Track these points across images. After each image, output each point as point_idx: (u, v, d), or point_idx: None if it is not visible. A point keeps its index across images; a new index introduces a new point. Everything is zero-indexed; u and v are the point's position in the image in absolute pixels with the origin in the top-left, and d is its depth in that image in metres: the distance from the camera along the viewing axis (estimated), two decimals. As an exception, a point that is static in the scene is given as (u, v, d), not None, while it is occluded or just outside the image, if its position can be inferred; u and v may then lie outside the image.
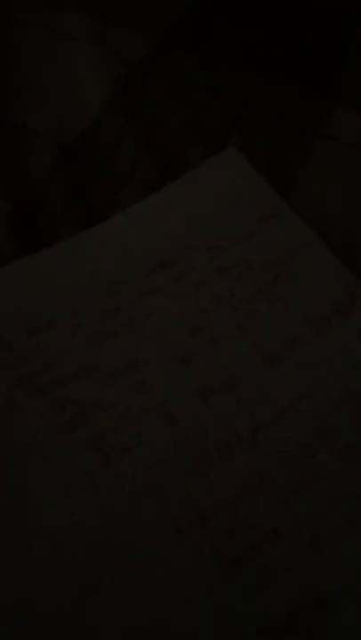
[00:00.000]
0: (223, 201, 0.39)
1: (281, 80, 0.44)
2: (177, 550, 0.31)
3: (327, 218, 0.39)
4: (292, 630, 0.29)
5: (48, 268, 0.38)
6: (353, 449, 0.32)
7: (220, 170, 0.40)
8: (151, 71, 0.46)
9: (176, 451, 0.33)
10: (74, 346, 0.36)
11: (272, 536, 0.30)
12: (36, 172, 0.42)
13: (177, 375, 0.35)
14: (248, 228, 0.38)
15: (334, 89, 0.43)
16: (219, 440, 0.33)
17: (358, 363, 0.34)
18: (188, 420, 0.33)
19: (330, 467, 0.32)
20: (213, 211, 0.39)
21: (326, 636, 0.28)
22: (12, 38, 0.48)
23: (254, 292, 0.36)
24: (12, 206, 0.41)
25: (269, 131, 0.42)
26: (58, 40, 0.47)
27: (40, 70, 0.46)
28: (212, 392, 0.34)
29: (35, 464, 0.33)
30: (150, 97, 0.45)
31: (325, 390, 0.34)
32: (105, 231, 0.39)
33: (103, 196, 0.41)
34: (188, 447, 0.33)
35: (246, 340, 0.35)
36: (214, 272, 0.37)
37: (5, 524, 0.32)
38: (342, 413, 0.33)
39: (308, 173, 0.40)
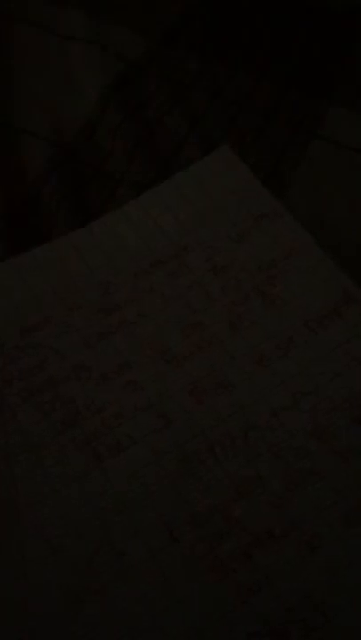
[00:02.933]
0: (218, 200, 0.39)
1: (278, 80, 0.44)
2: (170, 551, 0.30)
3: (323, 218, 0.39)
4: (289, 632, 0.28)
5: (42, 266, 0.38)
6: (349, 449, 0.32)
7: (214, 168, 0.40)
8: (149, 70, 0.45)
9: (169, 451, 0.32)
10: (67, 345, 0.36)
11: (267, 537, 0.30)
12: (32, 170, 0.42)
13: (170, 375, 0.34)
14: (243, 227, 0.38)
15: (331, 90, 0.43)
16: (213, 441, 0.33)
17: (353, 363, 0.34)
18: (182, 421, 0.33)
19: (325, 467, 0.31)
20: (208, 210, 0.39)
21: (323, 638, 0.28)
22: (10, 36, 0.48)
23: (249, 291, 0.36)
24: (8, 205, 0.41)
25: (266, 131, 0.42)
26: (56, 38, 0.47)
27: (37, 69, 0.46)
28: (206, 392, 0.34)
29: (28, 464, 0.33)
30: (147, 96, 0.45)
31: (320, 391, 0.33)
32: (99, 229, 0.39)
33: (99, 195, 0.41)
34: (181, 448, 0.32)
35: (241, 340, 0.35)
36: (209, 272, 0.37)
37: (6, 522, 0.31)
38: (338, 414, 0.33)
39: (305, 173, 0.40)
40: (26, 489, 0.32)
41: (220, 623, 0.29)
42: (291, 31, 0.46)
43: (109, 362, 0.35)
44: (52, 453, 0.33)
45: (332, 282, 0.36)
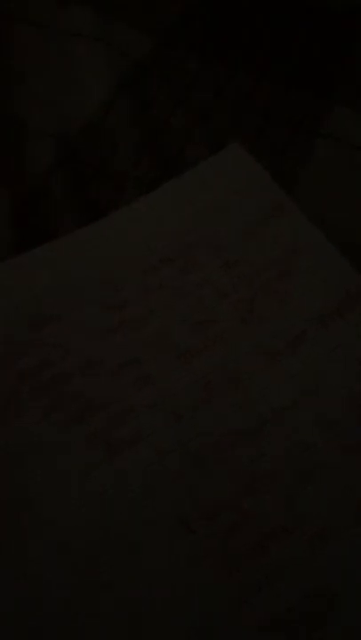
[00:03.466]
0: (227, 197, 0.39)
1: (281, 79, 0.44)
2: (180, 547, 0.30)
3: (328, 217, 0.39)
4: (299, 626, 0.28)
5: (48, 264, 0.38)
6: (353, 448, 0.32)
7: (223, 165, 0.40)
8: (153, 69, 0.45)
9: (179, 447, 0.32)
10: (76, 341, 0.35)
11: (278, 532, 0.30)
12: (37, 168, 0.42)
13: (180, 371, 0.34)
14: (252, 223, 0.38)
15: (334, 88, 0.43)
16: (222, 436, 0.32)
17: (354, 364, 0.34)
18: (192, 416, 0.33)
19: (335, 463, 0.31)
20: (217, 206, 0.39)
21: (333, 633, 0.28)
22: (14, 35, 0.48)
23: (258, 288, 0.36)
24: (13, 203, 0.41)
25: (270, 130, 0.42)
26: (60, 37, 0.47)
27: (40, 68, 0.46)
28: (216, 388, 0.34)
29: (36, 460, 0.33)
30: (152, 95, 0.44)
31: (330, 387, 0.33)
32: (106, 227, 0.39)
33: (104, 193, 0.41)
34: (190, 443, 0.32)
35: (250, 337, 0.35)
36: (218, 268, 0.37)
37: (6, 521, 0.31)
38: (346, 409, 0.33)
39: (309, 173, 0.40)
40: (27, 488, 0.32)
41: (226, 620, 0.29)
42: (291, 31, 0.46)
43: (118, 358, 0.35)
44: (56, 451, 0.33)
45: (343, 278, 0.36)
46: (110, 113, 0.44)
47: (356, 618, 0.28)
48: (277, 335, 0.35)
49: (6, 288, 0.37)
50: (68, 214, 0.40)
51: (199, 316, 0.36)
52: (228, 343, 0.35)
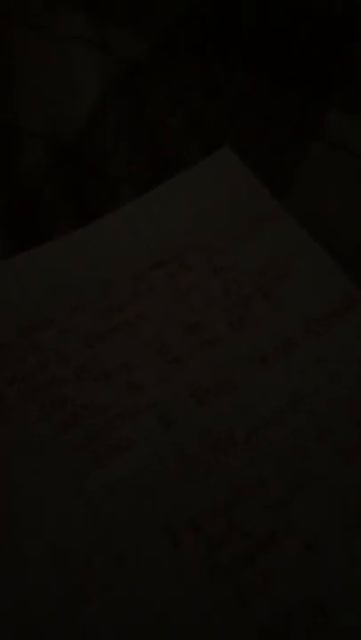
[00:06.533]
0: (219, 201, 0.39)
1: (278, 81, 0.44)
2: (170, 554, 0.30)
3: (323, 217, 0.39)
4: (290, 635, 0.28)
5: (42, 266, 0.38)
6: (350, 450, 0.32)
7: (215, 170, 0.40)
8: (148, 71, 0.45)
9: (170, 452, 0.32)
10: (68, 346, 0.36)
11: (268, 539, 0.30)
12: (32, 171, 0.42)
13: (172, 376, 0.34)
14: (244, 228, 0.38)
15: (331, 90, 0.43)
16: (214, 442, 0.32)
17: (354, 364, 0.34)
18: (183, 422, 0.33)
19: (327, 469, 0.31)
20: (209, 211, 0.39)
21: (324, 640, 0.28)
22: (9, 38, 0.48)
23: (250, 292, 0.36)
24: (8, 206, 0.41)
25: (267, 131, 0.42)
26: (55, 39, 0.47)
27: (37, 70, 0.46)
28: (208, 393, 0.34)
29: (28, 465, 0.33)
30: (147, 97, 0.45)
31: (322, 391, 0.33)
32: (100, 230, 0.39)
33: (99, 195, 0.41)
34: (182, 449, 0.32)
35: (242, 341, 0.35)
36: (210, 272, 0.37)
37: (6, 521, 0.31)
38: (339, 415, 0.33)
39: (306, 174, 0.40)
40: (26, 489, 0.32)
41: (220, 625, 0.29)
42: (291, 31, 0.46)
43: (111, 362, 0.35)
44: (53, 453, 0.33)
45: (333, 283, 0.36)
46: (108, 113, 0.44)
47: (347, 627, 0.28)
48: (270, 339, 0.35)
49: (2, 290, 0.37)
50: (64, 216, 0.40)
51: (191, 320, 0.36)
52: (220, 348, 0.35)
